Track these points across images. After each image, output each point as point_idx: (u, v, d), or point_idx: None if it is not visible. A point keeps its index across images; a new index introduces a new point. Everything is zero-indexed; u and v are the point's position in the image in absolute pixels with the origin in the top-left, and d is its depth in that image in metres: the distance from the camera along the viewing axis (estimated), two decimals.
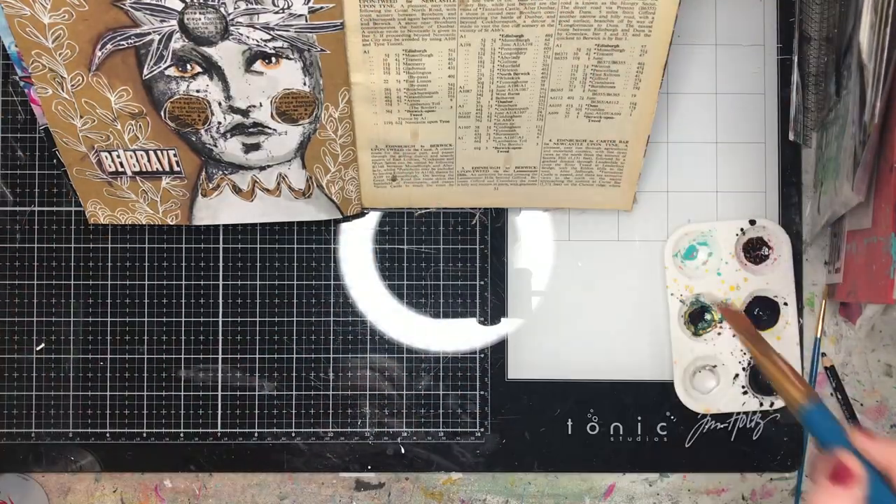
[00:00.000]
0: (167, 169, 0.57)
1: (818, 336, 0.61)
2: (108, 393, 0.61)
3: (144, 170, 0.57)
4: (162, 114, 0.54)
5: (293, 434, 0.61)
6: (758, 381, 0.61)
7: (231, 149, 0.56)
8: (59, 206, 0.61)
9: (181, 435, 0.61)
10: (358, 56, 0.52)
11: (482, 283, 0.61)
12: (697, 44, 0.61)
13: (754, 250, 0.61)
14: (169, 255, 0.61)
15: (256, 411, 0.61)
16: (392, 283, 0.62)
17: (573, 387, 0.61)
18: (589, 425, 0.61)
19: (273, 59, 0.52)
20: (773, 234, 0.61)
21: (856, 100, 0.50)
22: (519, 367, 0.61)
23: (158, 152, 0.57)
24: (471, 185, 0.60)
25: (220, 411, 0.61)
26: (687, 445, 0.61)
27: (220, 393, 0.61)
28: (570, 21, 0.50)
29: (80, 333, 0.61)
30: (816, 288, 0.62)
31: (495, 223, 0.62)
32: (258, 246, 0.61)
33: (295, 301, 0.61)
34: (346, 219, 0.61)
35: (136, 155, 0.57)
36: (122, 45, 0.51)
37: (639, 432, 0.61)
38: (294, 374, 0.61)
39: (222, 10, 0.50)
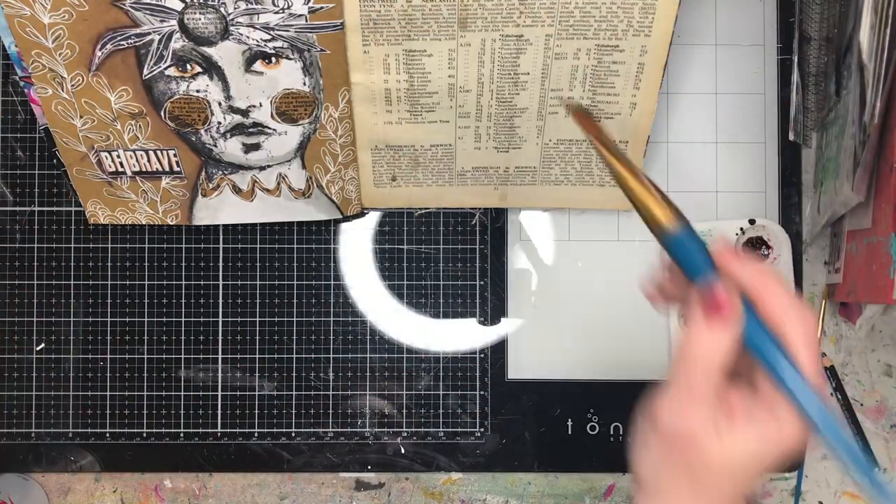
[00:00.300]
0: (167, 169, 0.57)
1: (818, 336, 0.61)
2: (108, 393, 0.61)
3: (144, 170, 0.57)
4: (162, 114, 0.54)
5: (293, 434, 0.61)
6: None
7: (231, 149, 0.56)
8: (59, 206, 0.61)
9: (181, 435, 0.61)
10: (358, 56, 0.52)
11: (482, 283, 0.61)
12: (697, 44, 0.61)
13: (754, 250, 0.61)
14: (169, 255, 0.61)
15: (256, 411, 0.61)
16: (392, 283, 0.62)
17: (573, 387, 0.61)
18: (589, 425, 0.61)
19: (273, 59, 0.52)
20: (772, 234, 0.61)
21: (856, 100, 0.50)
22: (519, 367, 0.61)
23: (158, 152, 0.57)
24: (471, 185, 0.60)
25: (220, 411, 0.61)
26: None
27: (220, 393, 0.61)
28: (570, 21, 0.50)
29: (80, 333, 0.61)
30: (816, 288, 0.62)
31: (495, 223, 0.62)
32: (258, 246, 0.61)
33: (295, 301, 0.61)
34: (346, 219, 0.61)
35: (136, 155, 0.57)
36: (122, 45, 0.51)
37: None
38: (294, 374, 0.61)
39: (222, 10, 0.50)
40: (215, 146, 0.56)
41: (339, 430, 0.61)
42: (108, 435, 0.61)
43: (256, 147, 0.56)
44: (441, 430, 0.61)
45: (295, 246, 0.61)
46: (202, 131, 0.55)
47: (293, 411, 0.61)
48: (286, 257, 0.61)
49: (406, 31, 0.51)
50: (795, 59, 0.60)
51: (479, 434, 0.61)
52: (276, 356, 0.61)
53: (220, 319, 0.61)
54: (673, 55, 0.56)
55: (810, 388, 0.34)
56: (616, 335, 0.61)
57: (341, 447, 0.61)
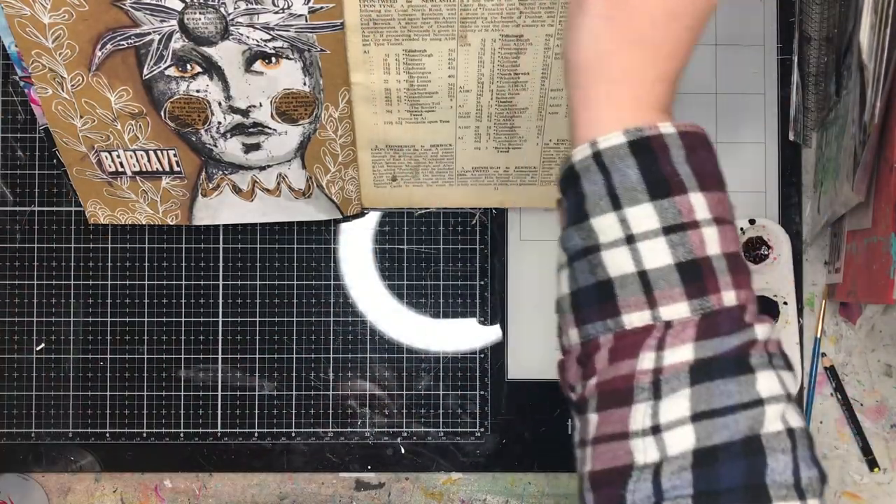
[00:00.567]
0: (167, 169, 0.57)
1: (818, 336, 0.61)
2: (108, 393, 0.61)
3: (144, 170, 0.57)
4: (162, 114, 0.54)
5: (293, 434, 0.61)
6: None
7: (231, 149, 0.56)
8: (59, 206, 0.61)
9: (181, 435, 0.61)
10: (358, 56, 0.52)
11: (482, 283, 0.61)
12: (697, 44, 0.61)
13: (754, 250, 0.61)
14: (169, 255, 0.61)
15: (256, 411, 0.61)
16: (392, 283, 0.62)
17: None
18: None
19: (273, 59, 0.52)
20: (772, 234, 0.61)
21: (856, 100, 0.50)
22: (519, 367, 0.61)
23: (158, 152, 0.57)
24: (471, 185, 0.60)
25: (220, 411, 0.61)
26: None
27: (220, 393, 0.61)
28: None
29: (80, 333, 0.61)
30: (816, 288, 0.62)
31: (495, 223, 0.62)
32: (258, 246, 0.61)
33: (295, 301, 0.61)
34: (346, 219, 0.61)
35: (136, 155, 0.57)
36: (122, 45, 0.51)
37: None
38: (294, 374, 0.61)
39: (222, 10, 0.50)
40: (215, 146, 0.56)
41: (339, 430, 0.61)
42: (108, 435, 0.61)
43: (256, 147, 0.56)
44: (441, 430, 0.61)
45: (295, 246, 0.61)
46: (202, 131, 0.55)
47: (293, 411, 0.61)
48: (286, 257, 0.61)
49: (406, 31, 0.51)
50: (795, 59, 0.60)
51: (479, 434, 0.61)
52: (276, 356, 0.61)
53: (220, 319, 0.61)
54: None
55: None
56: None
57: (341, 447, 0.61)
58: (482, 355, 0.61)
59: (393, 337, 0.61)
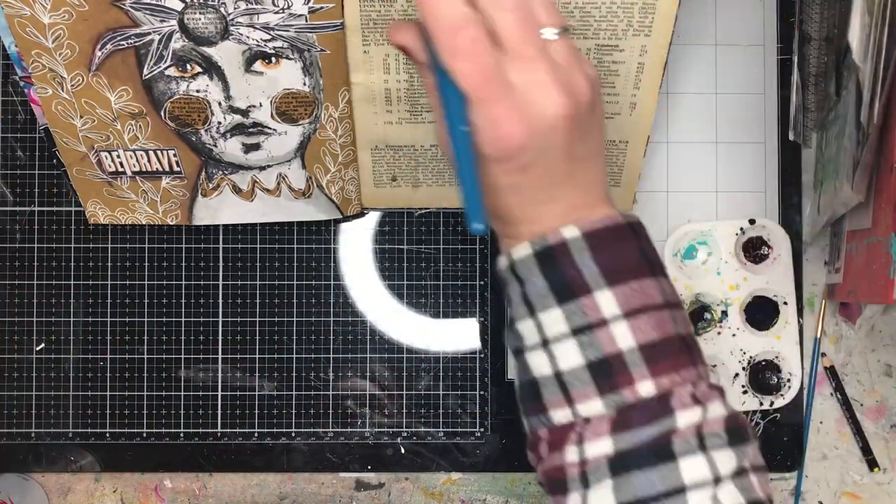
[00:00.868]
0: (167, 169, 0.57)
1: (818, 336, 0.61)
2: (108, 393, 0.61)
3: (144, 170, 0.57)
4: (162, 114, 0.54)
5: (293, 434, 0.61)
6: (758, 381, 0.61)
7: (231, 149, 0.56)
8: (59, 206, 0.61)
9: (181, 435, 0.61)
10: (358, 56, 0.52)
11: (482, 283, 0.61)
12: (697, 44, 0.61)
13: (754, 250, 0.61)
14: (169, 255, 0.61)
15: (256, 411, 0.61)
16: (392, 283, 0.62)
17: None
18: None
19: (273, 59, 0.52)
20: (772, 234, 0.61)
21: (855, 100, 0.50)
22: (517, 376, 0.61)
23: (158, 152, 0.57)
24: None
25: (220, 411, 0.61)
26: None
27: (220, 393, 0.61)
28: (569, 21, 0.50)
29: (80, 333, 0.61)
30: (816, 288, 0.62)
31: None
32: (258, 246, 0.61)
33: (295, 301, 0.61)
34: (346, 219, 0.61)
35: (136, 155, 0.57)
36: (122, 45, 0.51)
37: None
38: (294, 374, 0.61)
39: (222, 10, 0.50)
40: (215, 146, 0.56)
41: (339, 430, 0.61)
42: (108, 435, 0.61)
43: (256, 147, 0.56)
44: (441, 430, 0.61)
45: (295, 246, 0.61)
46: (202, 131, 0.55)
47: (293, 411, 0.61)
48: (286, 257, 0.61)
49: None
50: (795, 59, 0.60)
51: (479, 434, 0.61)
52: (276, 356, 0.61)
53: (220, 319, 0.61)
54: (673, 55, 0.56)
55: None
56: None
57: (341, 447, 0.61)
58: (482, 355, 0.61)
59: (393, 337, 0.61)
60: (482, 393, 0.61)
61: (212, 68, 0.52)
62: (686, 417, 0.38)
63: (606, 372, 0.38)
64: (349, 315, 0.61)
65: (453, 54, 0.37)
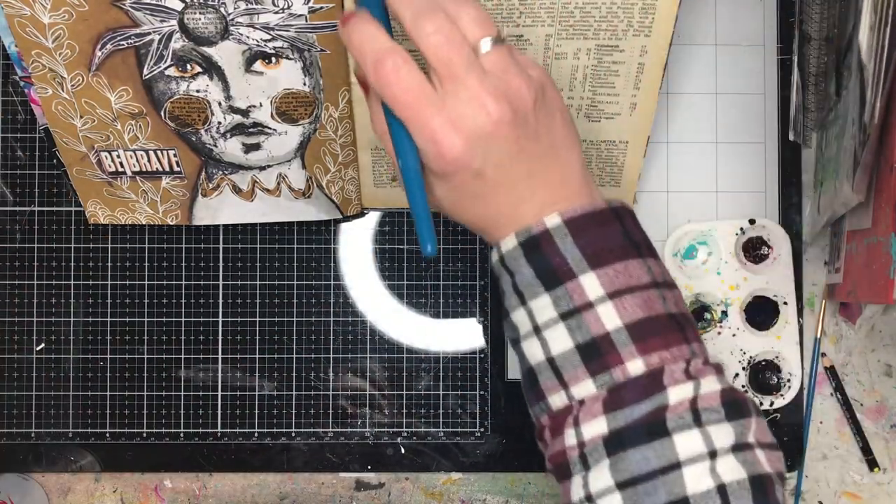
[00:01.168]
0: (167, 169, 0.57)
1: (818, 336, 0.61)
2: (108, 393, 0.61)
3: (144, 170, 0.57)
4: (162, 114, 0.54)
5: (293, 434, 0.61)
6: (758, 381, 0.61)
7: (231, 149, 0.56)
8: (59, 206, 0.61)
9: (181, 435, 0.61)
10: None
11: (482, 283, 0.61)
12: (697, 44, 0.61)
13: (754, 250, 0.61)
14: (169, 255, 0.61)
15: (256, 411, 0.61)
16: (392, 283, 0.62)
17: None
18: None
19: (273, 59, 0.52)
20: (772, 234, 0.61)
21: (856, 100, 0.50)
22: (519, 367, 0.61)
23: (158, 152, 0.57)
24: None
25: (220, 411, 0.61)
26: None
27: (220, 393, 0.61)
28: (570, 21, 0.50)
29: (80, 333, 0.61)
30: (816, 288, 0.62)
31: None
32: (258, 246, 0.61)
33: (295, 301, 0.61)
34: (346, 219, 0.61)
35: (136, 155, 0.57)
36: (122, 45, 0.51)
37: None
38: (294, 374, 0.61)
39: (222, 10, 0.50)
40: (215, 146, 0.56)
41: (339, 430, 0.61)
42: (108, 435, 0.61)
43: (256, 147, 0.56)
44: (441, 430, 0.61)
45: (295, 246, 0.61)
46: (202, 131, 0.55)
47: (293, 411, 0.61)
48: (286, 257, 0.61)
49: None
50: (795, 59, 0.60)
51: (479, 434, 0.61)
52: (276, 356, 0.61)
53: (220, 319, 0.61)
54: (673, 55, 0.56)
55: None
56: None
57: (341, 447, 0.61)
58: (482, 355, 0.61)
59: (393, 337, 0.61)
60: (482, 393, 0.61)
61: (212, 68, 0.52)
62: (678, 393, 0.38)
63: (595, 353, 0.39)
64: (349, 315, 0.61)
65: (381, 84, 0.39)
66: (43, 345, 0.61)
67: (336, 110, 0.55)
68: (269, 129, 0.55)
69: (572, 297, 0.39)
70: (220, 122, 0.55)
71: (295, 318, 0.61)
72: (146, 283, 0.61)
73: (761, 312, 0.61)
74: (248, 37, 0.51)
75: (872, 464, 0.61)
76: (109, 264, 0.61)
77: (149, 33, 0.51)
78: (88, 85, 0.53)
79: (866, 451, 0.61)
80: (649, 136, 0.56)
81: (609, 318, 0.39)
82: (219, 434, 0.61)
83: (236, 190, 0.58)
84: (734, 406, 0.39)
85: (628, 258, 0.40)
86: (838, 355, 0.62)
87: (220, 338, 0.61)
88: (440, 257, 0.61)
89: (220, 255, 0.61)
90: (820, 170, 0.60)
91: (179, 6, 0.50)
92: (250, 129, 0.55)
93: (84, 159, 0.57)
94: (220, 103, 0.54)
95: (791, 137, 0.60)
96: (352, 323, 0.61)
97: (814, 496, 0.62)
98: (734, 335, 0.60)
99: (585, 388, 0.39)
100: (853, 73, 0.51)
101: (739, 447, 0.38)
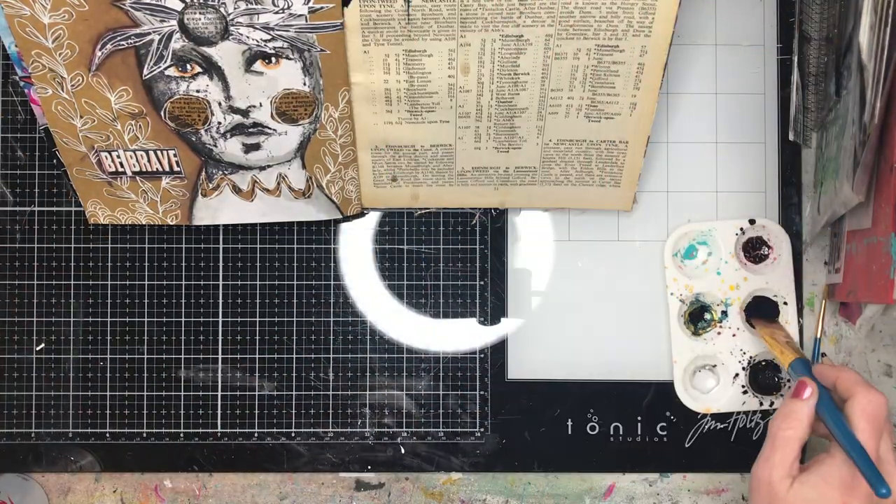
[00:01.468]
0: (167, 169, 0.57)
1: (818, 336, 0.61)
2: (108, 393, 0.61)
3: (144, 170, 0.57)
4: (162, 114, 0.54)
5: (293, 434, 0.61)
6: (758, 381, 0.61)
7: (231, 149, 0.56)
8: (59, 206, 0.61)
9: (181, 435, 0.61)
10: (358, 56, 0.52)
11: (482, 283, 0.61)
12: (697, 44, 0.61)
13: (754, 250, 0.61)
14: (169, 255, 0.61)
15: (256, 411, 0.61)
16: (392, 283, 0.62)
17: (573, 387, 0.61)
18: (589, 425, 0.61)
19: (273, 59, 0.52)
20: (772, 234, 0.61)
21: (856, 100, 0.50)
22: (519, 367, 0.61)
23: (158, 152, 0.57)
24: (471, 185, 0.60)
25: (220, 411, 0.61)
26: (687, 445, 0.61)
27: (220, 393, 0.61)
28: (570, 21, 0.50)
29: (80, 333, 0.61)
30: (816, 288, 0.62)
31: (495, 223, 0.62)
32: (258, 246, 0.61)
33: (295, 301, 0.61)
34: (346, 219, 0.61)
35: (136, 155, 0.57)
36: (122, 45, 0.51)
37: (639, 432, 0.61)
38: (294, 374, 0.61)
39: (222, 10, 0.50)
40: (215, 146, 0.56)
41: (339, 430, 0.61)
42: (108, 435, 0.61)
43: (256, 147, 0.56)
44: (441, 430, 0.61)
45: (295, 246, 0.62)
46: (202, 131, 0.55)
47: (293, 411, 0.61)
48: (286, 257, 0.61)
49: (406, 31, 0.51)
50: (795, 59, 0.60)
51: (479, 434, 0.61)
52: (276, 356, 0.61)
53: (220, 319, 0.61)
54: (673, 55, 0.56)
55: (859, 443, 0.46)
56: (616, 335, 0.61)
57: (341, 447, 0.61)
58: (482, 355, 0.61)
59: (393, 337, 0.61)
60: (482, 393, 0.61)
61: (212, 68, 0.52)
62: None
63: None
64: (349, 315, 0.61)
65: (866, 423, 0.47)
66: (43, 345, 0.61)
67: (336, 110, 0.55)
68: (269, 129, 0.55)
69: None
70: (220, 122, 0.55)
71: (295, 318, 0.61)
72: (146, 283, 0.61)
73: (761, 312, 0.61)
74: (247, 37, 0.51)
75: None
76: (109, 264, 0.61)
77: (149, 33, 0.51)
78: (88, 85, 0.53)
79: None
80: (649, 136, 0.56)
81: None
82: (219, 434, 0.61)
83: (236, 190, 0.58)
84: None
85: None
86: (838, 355, 0.62)
87: (220, 338, 0.61)
88: (440, 257, 0.61)
89: (220, 255, 0.61)
90: (820, 170, 0.60)
91: (179, 6, 0.50)
92: (250, 129, 0.55)
93: (84, 159, 0.57)
94: (220, 103, 0.54)
95: (791, 137, 0.60)
96: (352, 323, 0.61)
97: None
98: (734, 335, 0.60)
99: None
100: (853, 73, 0.51)
101: None
